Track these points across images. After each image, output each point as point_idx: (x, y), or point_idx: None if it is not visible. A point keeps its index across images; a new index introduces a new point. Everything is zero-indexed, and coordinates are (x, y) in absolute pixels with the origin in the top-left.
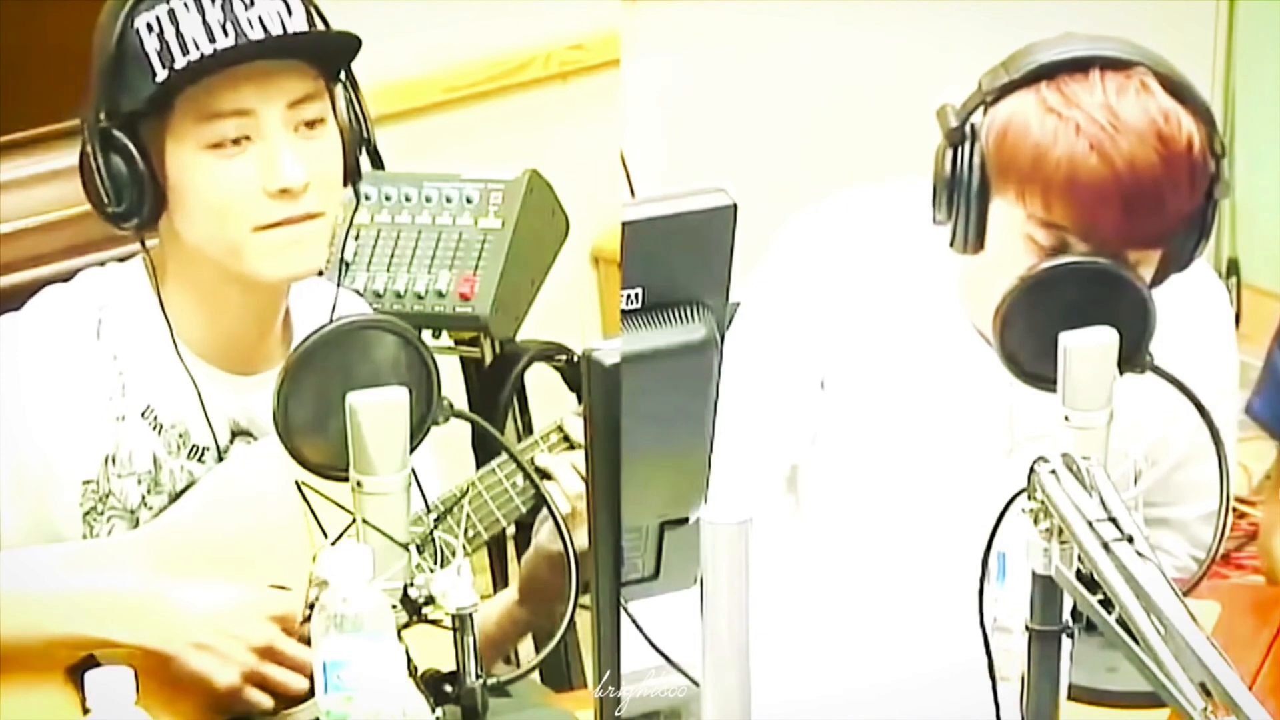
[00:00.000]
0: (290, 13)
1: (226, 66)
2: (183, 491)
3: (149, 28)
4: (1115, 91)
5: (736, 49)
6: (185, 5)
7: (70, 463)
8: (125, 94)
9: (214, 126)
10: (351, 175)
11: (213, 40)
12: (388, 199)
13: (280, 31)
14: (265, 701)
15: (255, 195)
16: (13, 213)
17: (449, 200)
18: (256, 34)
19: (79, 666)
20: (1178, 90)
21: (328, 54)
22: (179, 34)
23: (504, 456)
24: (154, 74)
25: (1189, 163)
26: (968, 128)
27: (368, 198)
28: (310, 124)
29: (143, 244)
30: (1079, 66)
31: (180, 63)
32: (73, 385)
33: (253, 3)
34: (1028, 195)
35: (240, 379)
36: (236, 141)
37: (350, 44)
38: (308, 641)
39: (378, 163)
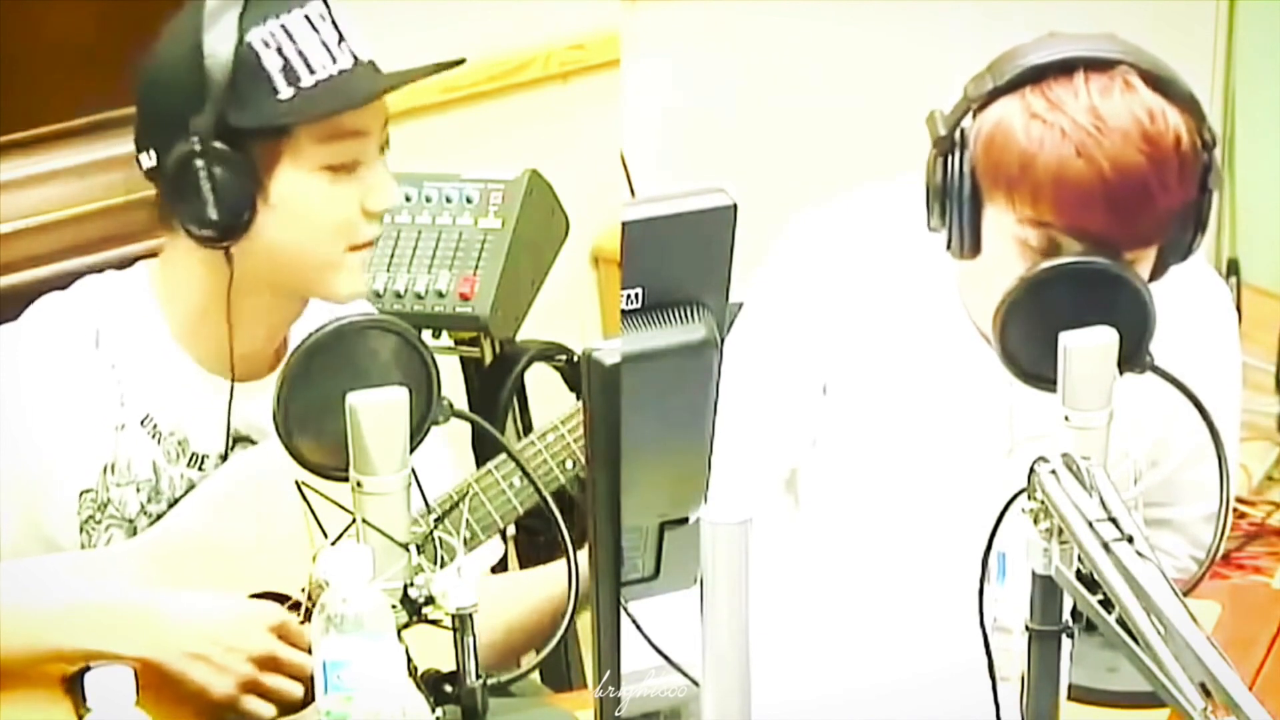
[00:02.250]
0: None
1: (359, 103)
2: (181, 499)
3: (265, 44)
4: (1099, 92)
5: (736, 49)
6: (295, 22)
7: (69, 472)
8: (243, 110)
9: (335, 147)
10: None
11: (335, 60)
12: None
13: (366, 51)
14: (266, 710)
15: (355, 215)
16: (13, 213)
17: (449, 200)
18: (363, 54)
19: (75, 676)
20: (1162, 85)
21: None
22: (300, 52)
23: (500, 457)
24: (277, 92)
25: (1177, 159)
26: (956, 135)
27: None
28: (384, 146)
29: (227, 254)
30: (1063, 69)
31: (307, 81)
32: (71, 394)
33: (344, 21)
34: (1017, 201)
35: (240, 385)
36: (347, 165)
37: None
38: (308, 649)
39: None
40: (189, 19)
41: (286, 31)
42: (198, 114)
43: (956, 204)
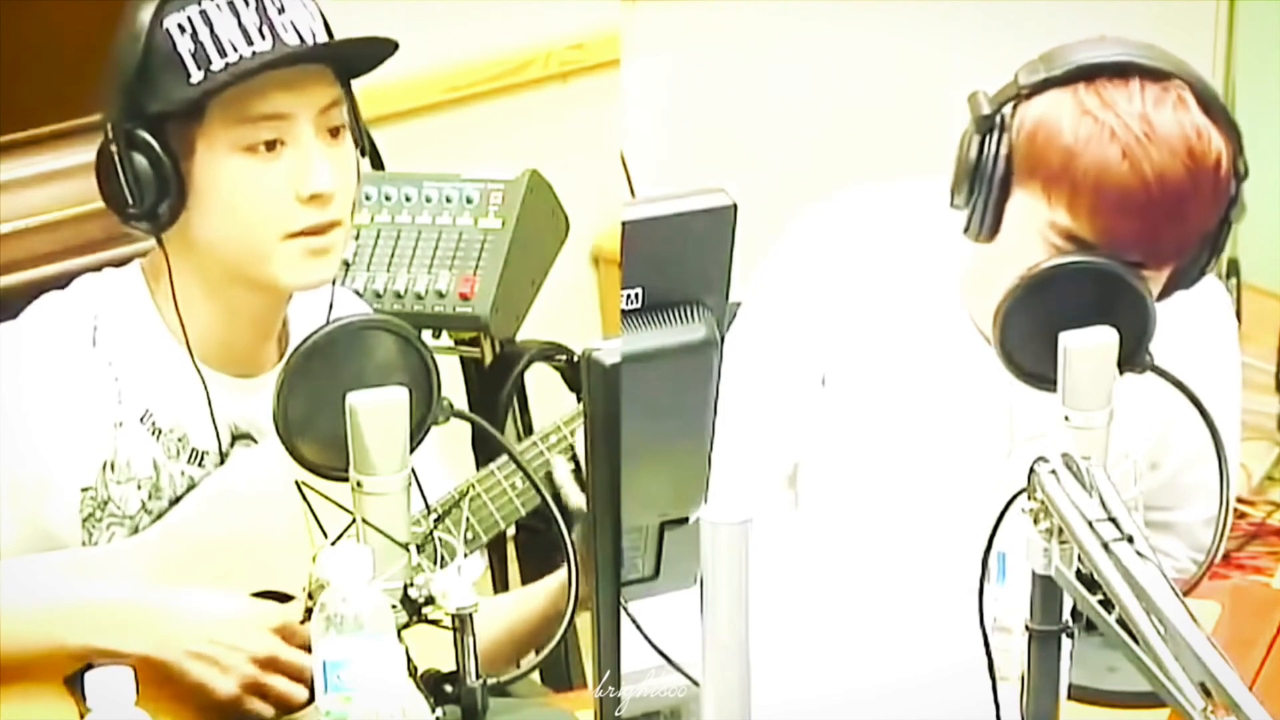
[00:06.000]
0: (313, 18)
1: (265, 70)
2: (182, 496)
3: (180, 28)
4: (1153, 102)
5: (736, 49)
6: (218, 6)
7: (68, 470)
8: (155, 95)
9: (249, 130)
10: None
11: (250, 43)
12: (388, 199)
13: (310, 36)
14: (266, 711)
15: (287, 201)
16: (12, 213)
17: (449, 200)
18: (291, 38)
19: (77, 675)
20: (1211, 107)
21: (358, 61)
22: (214, 35)
23: (502, 459)
24: (189, 75)
25: (1214, 180)
26: (998, 117)
27: (368, 198)
28: (335, 131)
29: (160, 242)
30: (1118, 72)
31: (218, 64)
32: (70, 392)
33: (284, 8)
34: (1053, 194)
35: (239, 381)
36: (270, 146)
37: (386, 50)
38: (309, 649)
39: (378, 163)
40: (128, 11)
41: (206, 17)
42: (113, 102)
43: (985, 186)
